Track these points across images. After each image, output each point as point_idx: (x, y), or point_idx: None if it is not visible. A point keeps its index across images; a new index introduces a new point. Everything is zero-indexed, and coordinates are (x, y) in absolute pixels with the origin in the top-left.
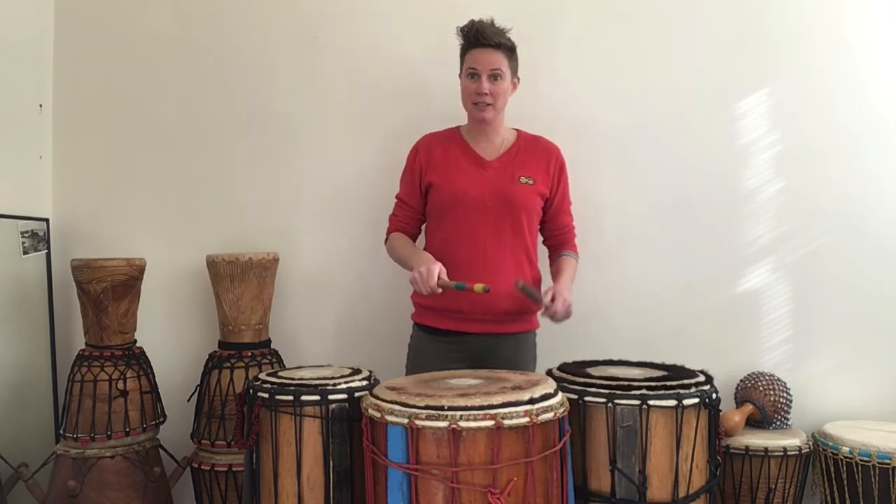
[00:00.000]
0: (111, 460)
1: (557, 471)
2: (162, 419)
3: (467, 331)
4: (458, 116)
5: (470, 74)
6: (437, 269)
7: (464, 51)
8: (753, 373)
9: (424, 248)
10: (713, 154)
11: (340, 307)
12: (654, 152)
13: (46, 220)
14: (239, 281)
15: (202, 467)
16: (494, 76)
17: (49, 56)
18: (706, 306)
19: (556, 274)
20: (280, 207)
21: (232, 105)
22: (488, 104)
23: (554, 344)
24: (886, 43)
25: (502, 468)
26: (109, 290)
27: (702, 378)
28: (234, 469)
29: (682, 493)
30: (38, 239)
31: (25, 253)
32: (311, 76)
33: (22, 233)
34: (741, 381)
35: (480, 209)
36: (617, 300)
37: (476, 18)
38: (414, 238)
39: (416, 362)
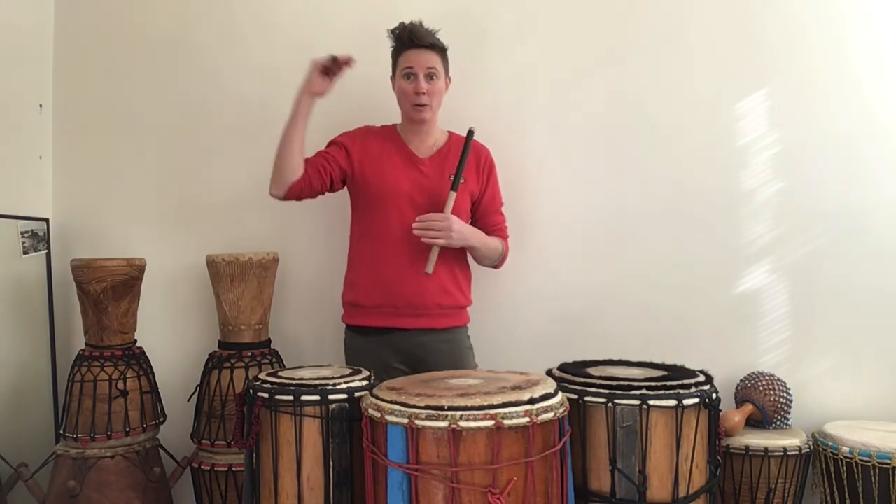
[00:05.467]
0: (111, 460)
1: (557, 471)
2: (162, 419)
3: (400, 326)
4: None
5: (406, 75)
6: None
7: (397, 52)
8: (753, 373)
9: (350, 243)
10: (712, 154)
11: (340, 307)
12: (654, 152)
13: (46, 220)
14: (239, 281)
15: (202, 467)
16: (430, 76)
17: (49, 56)
18: (706, 306)
19: None
20: (280, 207)
21: (232, 105)
22: (426, 104)
23: (554, 344)
24: (885, 43)
25: (502, 468)
26: (109, 290)
27: (702, 378)
28: (234, 469)
29: (682, 493)
30: (38, 239)
31: (25, 253)
32: None
33: (22, 233)
34: (741, 381)
35: (410, 205)
36: (616, 300)
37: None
38: (305, 179)
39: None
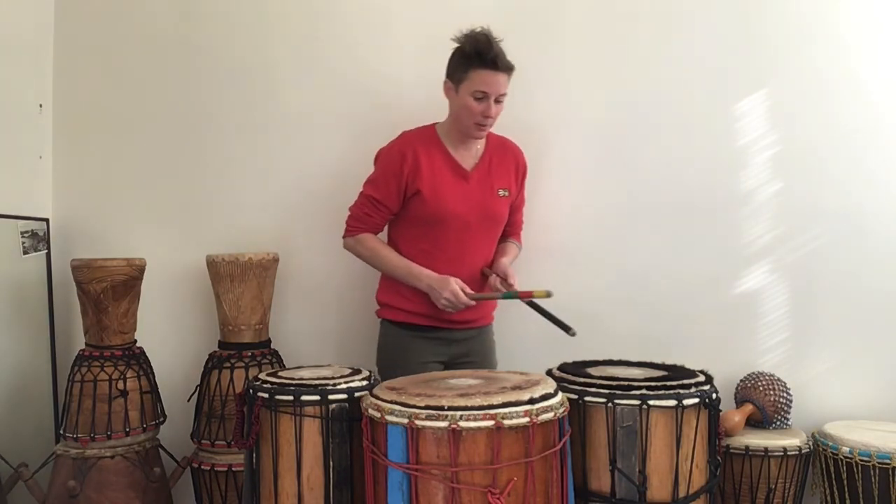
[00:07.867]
0: (111, 460)
1: (557, 471)
2: (162, 419)
3: (443, 328)
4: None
5: (478, 97)
6: (458, 285)
7: (469, 67)
8: (753, 373)
9: (402, 253)
10: (712, 154)
11: (340, 307)
12: (654, 153)
13: (46, 220)
14: (239, 281)
15: (202, 467)
16: (500, 100)
17: (49, 56)
18: (706, 306)
19: (500, 254)
20: (280, 207)
21: (231, 104)
22: (489, 126)
23: (554, 344)
24: (885, 43)
25: (502, 468)
26: (109, 290)
27: (702, 378)
28: (234, 469)
29: (682, 493)
30: (38, 239)
31: (25, 253)
32: (310, 76)
33: (22, 233)
34: (741, 381)
35: (467, 226)
36: (617, 300)
37: (477, 29)
38: (378, 233)
39: (394, 360)
